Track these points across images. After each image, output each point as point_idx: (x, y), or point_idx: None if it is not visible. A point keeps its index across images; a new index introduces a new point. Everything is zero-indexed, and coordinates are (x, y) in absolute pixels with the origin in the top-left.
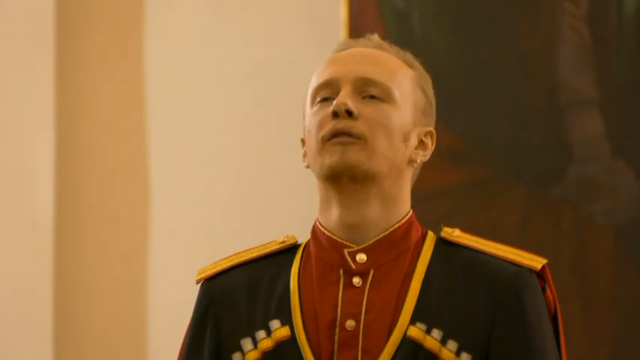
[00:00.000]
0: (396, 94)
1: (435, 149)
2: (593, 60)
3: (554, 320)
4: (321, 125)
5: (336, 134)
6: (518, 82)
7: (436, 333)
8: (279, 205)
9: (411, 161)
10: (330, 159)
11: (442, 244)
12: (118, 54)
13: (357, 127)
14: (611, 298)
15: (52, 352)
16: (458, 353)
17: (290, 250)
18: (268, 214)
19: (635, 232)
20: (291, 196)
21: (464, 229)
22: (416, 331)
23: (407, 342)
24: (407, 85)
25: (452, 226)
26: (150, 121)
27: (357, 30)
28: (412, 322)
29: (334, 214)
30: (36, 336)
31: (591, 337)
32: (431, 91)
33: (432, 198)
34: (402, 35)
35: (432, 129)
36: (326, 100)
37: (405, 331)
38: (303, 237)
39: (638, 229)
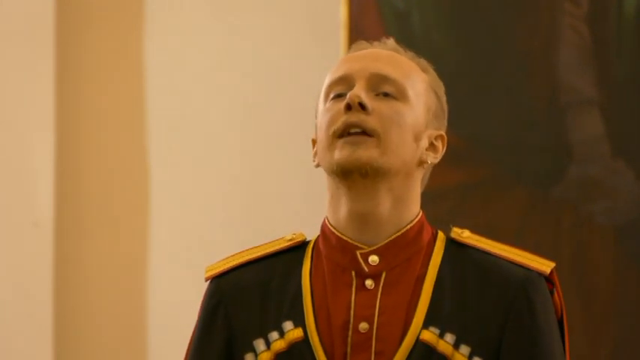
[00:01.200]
0: (410, 93)
1: None
2: (593, 60)
3: (559, 323)
4: (332, 121)
5: (348, 126)
6: (518, 82)
7: (449, 337)
8: (280, 205)
9: (421, 162)
10: (340, 154)
11: (452, 245)
12: (118, 54)
13: (370, 122)
14: (611, 298)
15: (52, 352)
16: (470, 358)
17: (299, 247)
18: (268, 214)
19: (635, 232)
20: (292, 196)
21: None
22: (429, 335)
23: (420, 345)
24: (420, 87)
25: (458, 226)
26: (150, 121)
27: (357, 30)
28: (425, 326)
29: (343, 209)
30: (36, 336)
31: (591, 337)
32: (444, 97)
33: (432, 198)
34: (402, 35)
35: (443, 133)
36: (339, 96)
37: (418, 335)
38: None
39: (638, 229)
